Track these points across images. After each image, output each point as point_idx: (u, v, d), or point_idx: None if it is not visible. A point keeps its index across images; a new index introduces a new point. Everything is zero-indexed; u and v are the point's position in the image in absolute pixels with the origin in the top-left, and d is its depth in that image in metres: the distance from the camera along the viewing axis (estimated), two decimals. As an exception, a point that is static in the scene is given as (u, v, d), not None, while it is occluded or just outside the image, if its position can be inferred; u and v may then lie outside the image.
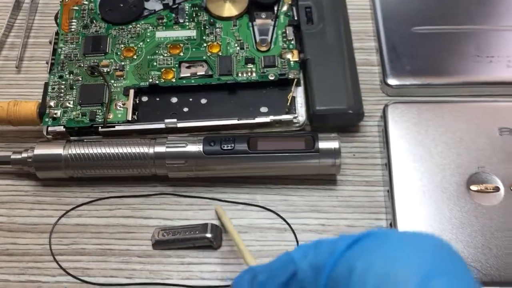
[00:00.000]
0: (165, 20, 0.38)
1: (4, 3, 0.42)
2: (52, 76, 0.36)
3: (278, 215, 0.33)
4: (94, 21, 0.38)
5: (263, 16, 0.38)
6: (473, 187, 0.32)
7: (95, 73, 0.36)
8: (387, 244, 0.20)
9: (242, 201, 0.34)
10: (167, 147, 0.33)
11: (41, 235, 0.33)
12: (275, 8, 0.38)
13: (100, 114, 0.34)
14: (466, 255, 0.30)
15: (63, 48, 0.37)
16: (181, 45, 0.37)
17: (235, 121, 0.34)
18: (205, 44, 0.37)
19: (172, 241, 0.32)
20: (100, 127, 0.34)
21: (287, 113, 0.34)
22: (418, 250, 0.20)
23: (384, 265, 0.19)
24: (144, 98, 0.35)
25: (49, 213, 0.33)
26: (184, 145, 0.33)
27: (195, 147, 0.33)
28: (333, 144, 0.32)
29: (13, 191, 0.34)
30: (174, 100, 0.35)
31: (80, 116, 0.34)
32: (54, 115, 0.34)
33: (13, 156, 0.33)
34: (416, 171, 0.32)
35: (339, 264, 0.20)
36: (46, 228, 0.33)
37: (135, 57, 0.36)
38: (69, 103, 0.35)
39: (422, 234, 0.21)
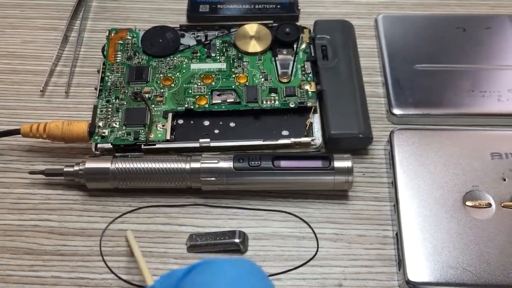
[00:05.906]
0: (198, 54, 0.43)
1: (54, 37, 0.48)
2: (100, 100, 0.41)
3: (303, 219, 0.37)
4: (137, 53, 0.43)
5: (284, 52, 0.43)
6: (469, 203, 0.36)
7: (138, 98, 0.41)
8: (208, 272, 0.27)
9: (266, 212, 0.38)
10: (201, 163, 0.37)
11: (88, 238, 0.37)
12: (295, 46, 0.43)
13: (143, 133, 0.39)
14: (462, 260, 0.34)
15: (110, 77, 0.42)
16: (213, 75, 0.42)
17: (260, 142, 0.39)
18: (233, 75, 0.42)
19: (204, 245, 0.36)
20: (142, 145, 0.38)
21: (305, 136, 0.39)
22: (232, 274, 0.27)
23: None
24: (180, 121, 0.40)
25: (95, 219, 0.38)
26: (216, 161, 0.37)
27: (226, 164, 0.37)
28: (346, 163, 0.37)
29: (63, 200, 0.39)
30: (206, 123, 0.40)
31: (125, 135, 0.39)
32: (103, 134, 0.39)
33: (66, 169, 0.38)
34: (418, 189, 0.37)
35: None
36: (93, 232, 0.37)
37: (172, 85, 0.41)
38: (116, 123, 0.39)
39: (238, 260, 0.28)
